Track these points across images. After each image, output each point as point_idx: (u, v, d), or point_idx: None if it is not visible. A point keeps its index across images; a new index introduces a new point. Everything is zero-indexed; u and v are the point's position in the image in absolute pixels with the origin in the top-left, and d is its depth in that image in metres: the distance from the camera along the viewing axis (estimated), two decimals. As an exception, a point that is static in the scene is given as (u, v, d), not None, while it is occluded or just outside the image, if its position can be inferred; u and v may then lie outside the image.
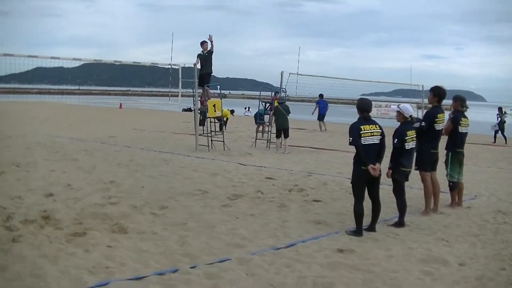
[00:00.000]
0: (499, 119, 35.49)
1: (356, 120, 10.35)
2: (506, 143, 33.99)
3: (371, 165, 9.95)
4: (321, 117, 38.07)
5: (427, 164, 12.14)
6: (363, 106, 10.39)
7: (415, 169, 12.04)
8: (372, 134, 10.11)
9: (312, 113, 38.89)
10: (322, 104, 38.21)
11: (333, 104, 41.06)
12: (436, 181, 12.40)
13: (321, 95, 38.47)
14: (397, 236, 10.22)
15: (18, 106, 58.94)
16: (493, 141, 34.26)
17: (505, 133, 35.38)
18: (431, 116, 12.17)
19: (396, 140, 10.93)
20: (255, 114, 29.92)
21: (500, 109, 36.59)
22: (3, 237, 9.19)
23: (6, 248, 8.58)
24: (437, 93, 12.52)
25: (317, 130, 36.95)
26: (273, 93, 33.67)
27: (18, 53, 22.60)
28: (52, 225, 10.02)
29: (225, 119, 30.15)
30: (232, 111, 34.44)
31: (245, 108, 64.53)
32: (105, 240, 9.20)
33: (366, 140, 10.04)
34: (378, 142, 10.18)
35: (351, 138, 10.16)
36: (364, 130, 10.07)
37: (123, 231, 9.83)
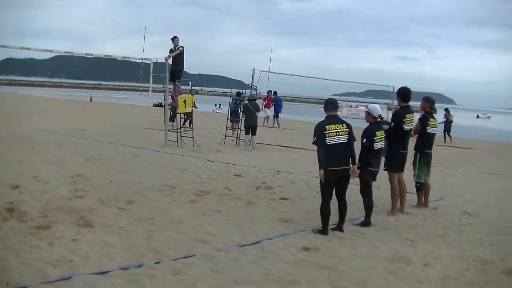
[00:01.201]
0: (445, 119, 36.85)
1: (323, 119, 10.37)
2: (451, 141, 35.54)
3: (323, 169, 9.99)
4: (277, 115, 38.41)
5: (396, 164, 12.20)
6: (328, 105, 10.40)
7: (384, 170, 12.11)
8: (338, 133, 10.06)
9: (268, 109, 39.09)
10: (278, 102, 38.46)
11: (304, 103, 41.17)
12: (402, 182, 12.46)
13: (275, 93, 38.69)
14: (363, 235, 10.27)
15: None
16: (443, 140, 35.10)
17: (451, 133, 36.90)
18: (399, 116, 12.25)
19: (365, 139, 10.96)
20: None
21: (446, 110, 38.21)
22: (-34, 228, 9.10)
23: (-32, 240, 8.51)
24: (400, 93, 12.65)
25: (287, 128, 36.99)
26: (270, 92, 33.89)
27: (-13, 43, 22.23)
28: (17, 217, 9.90)
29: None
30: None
31: (215, 105, 64.40)
32: (70, 234, 9.14)
33: (331, 140, 10.00)
34: (346, 141, 10.16)
35: (315, 138, 10.14)
36: (329, 130, 10.04)
37: (89, 225, 9.77)
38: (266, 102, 39.55)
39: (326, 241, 9.70)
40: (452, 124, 37.34)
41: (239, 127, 25.15)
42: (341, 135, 10.08)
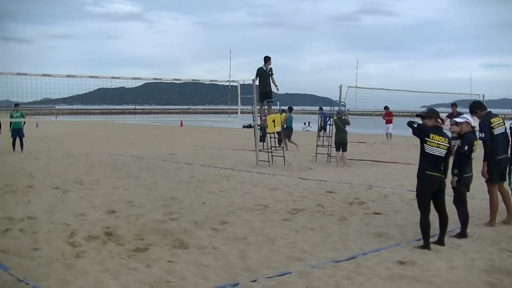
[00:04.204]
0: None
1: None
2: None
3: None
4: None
5: (495, 174, 11.83)
6: (438, 113, 10.23)
7: (486, 181, 11.87)
8: (438, 146, 9.88)
9: (390, 125, 39.41)
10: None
11: (394, 117, 40.68)
12: (504, 191, 12.10)
13: (290, 108, 38.31)
14: (459, 247, 10.06)
15: (82, 126, 60.01)
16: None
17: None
18: (486, 123, 11.89)
19: (467, 147, 10.76)
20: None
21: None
22: (67, 253, 9.39)
23: (70, 264, 8.76)
24: (473, 107, 12.33)
25: (377, 143, 36.77)
26: (386, 108, 34.37)
27: (80, 74, 22.99)
28: (115, 241, 10.19)
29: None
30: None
31: (305, 123, 64.47)
32: (166, 255, 9.29)
33: (430, 149, 9.86)
34: (443, 156, 10.01)
35: (415, 125, 10.01)
36: (432, 139, 9.87)
37: (184, 246, 9.90)
38: (386, 118, 39.53)
39: (422, 254, 9.54)
40: None
41: (329, 143, 24.97)
42: (441, 148, 9.89)
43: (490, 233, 11.08)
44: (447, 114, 25.87)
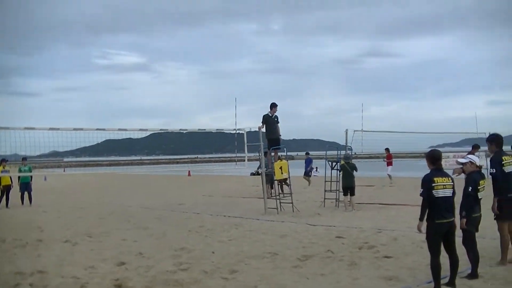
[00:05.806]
0: None
1: (429, 172, 10.20)
2: None
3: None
4: (305, 173, 41.68)
5: (505, 212, 11.78)
6: (434, 157, 10.24)
7: (494, 219, 11.81)
8: (444, 186, 9.89)
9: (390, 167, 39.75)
10: (308, 162, 41.68)
11: (400, 158, 40.81)
12: None
13: (307, 153, 43.82)
14: (472, 288, 10.00)
15: (90, 178, 60.12)
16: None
17: None
18: (498, 161, 11.91)
19: (470, 188, 10.75)
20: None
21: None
22: (77, 307, 9.37)
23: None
24: (491, 139, 12.32)
25: (386, 186, 36.76)
26: (387, 149, 35.36)
27: (87, 127, 23.09)
28: (124, 293, 10.16)
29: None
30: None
31: (312, 168, 64.30)
32: (177, 306, 9.27)
33: (438, 193, 9.87)
34: (451, 195, 10.00)
35: (421, 190, 10.01)
36: (437, 183, 9.90)
37: (195, 297, 9.88)
38: (387, 160, 39.65)
39: (434, 297, 9.49)
40: None
41: (337, 188, 24.89)
42: (447, 188, 9.90)
43: (502, 273, 10.99)
44: (467, 153, 25.85)
